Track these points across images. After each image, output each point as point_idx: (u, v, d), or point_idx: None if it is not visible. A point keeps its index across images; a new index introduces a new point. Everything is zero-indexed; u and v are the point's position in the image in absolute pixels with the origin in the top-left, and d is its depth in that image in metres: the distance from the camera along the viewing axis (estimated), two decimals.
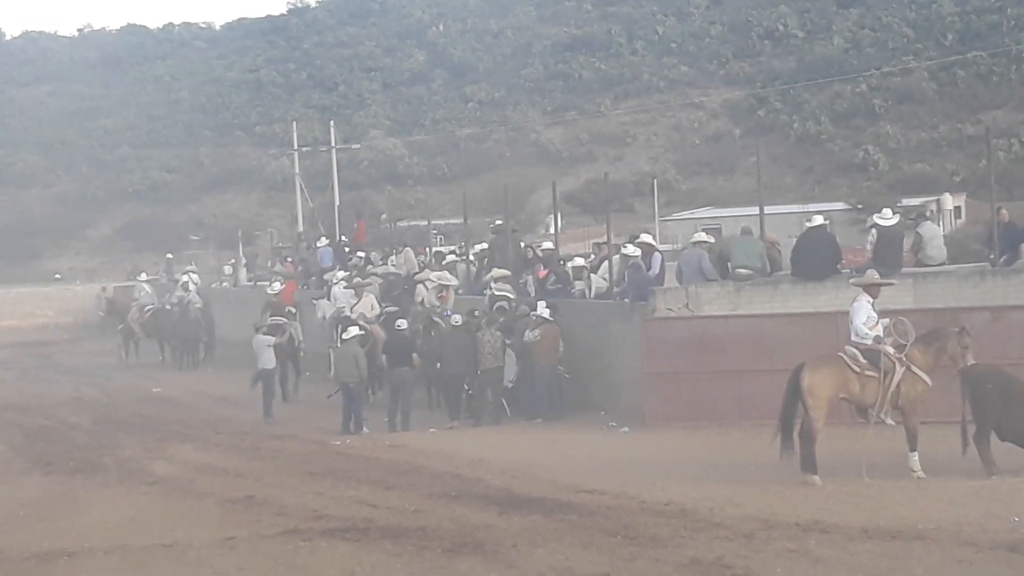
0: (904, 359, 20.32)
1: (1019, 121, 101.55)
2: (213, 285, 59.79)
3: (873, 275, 21.69)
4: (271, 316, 36.88)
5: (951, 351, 20.40)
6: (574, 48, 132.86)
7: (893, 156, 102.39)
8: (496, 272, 34.08)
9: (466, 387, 30.30)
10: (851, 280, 23.32)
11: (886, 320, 20.83)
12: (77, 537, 18.68)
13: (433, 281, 35.00)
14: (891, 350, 20.38)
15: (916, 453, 20.06)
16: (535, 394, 29.72)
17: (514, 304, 31.93)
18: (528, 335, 29.66)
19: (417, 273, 37.31)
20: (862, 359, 20.38)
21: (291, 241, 64.09)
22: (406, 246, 42.29)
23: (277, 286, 40.55)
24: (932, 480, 19.59)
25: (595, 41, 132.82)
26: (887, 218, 27.78)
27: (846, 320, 21.23)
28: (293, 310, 38.79)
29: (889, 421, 20.42)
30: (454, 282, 35.48)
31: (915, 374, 20.31)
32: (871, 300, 21.10)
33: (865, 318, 20.76)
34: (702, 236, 30.21)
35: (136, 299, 51.24)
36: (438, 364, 30.73)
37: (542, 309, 29.84)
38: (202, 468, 24.66)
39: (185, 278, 51.11)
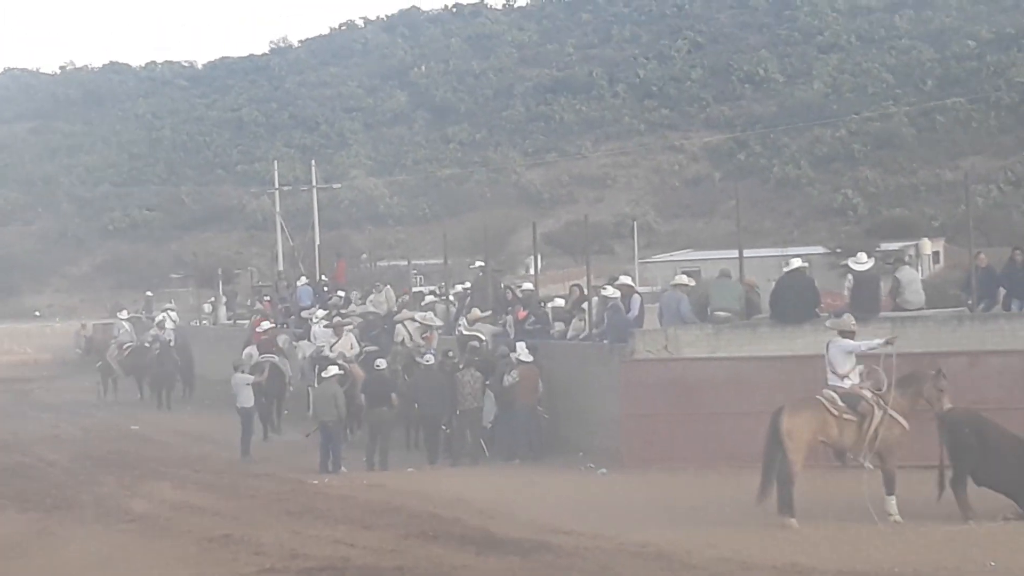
0: (882, 403, 20.39)
1: (998, 167, 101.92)
2: (193, 323, 59.69)
3: (849, 320, 21.77)
4: (262, 354, 37.21)
5: (927, 394, 20.49)
6: (555, 90, 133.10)
7: (872, 200, 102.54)
8: (474, 313, 34.10)
9: (444, 427, 30.30)
10: (828, 322, 23.38)
11: (860, 366, 20.91)
12: (54, 574, 18.62)
13: (416, 321, 35.02)
14: (869, 394, 20.45)
15: (894, 497, 20.10)
16: (513, 435, 29.72)
17: (486, 344, 31.95)
18: (507, 379, 29.67)
19: (397, 313, 37.32)
20: (840, 402, 20.45)
21: (271, 280, 64.01)
22: (386, 284, 42.25)
23: (266, 324, 40.70)
24: (909, 524, 19.63)
25: (576, 83, 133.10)
26: (862, 262, 27.94)
27: (824, 364, 21.30)
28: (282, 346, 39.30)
29: (868, 465, 20.45)
30: (438, 323, 35.47)
31: (893, 418, 20.37)
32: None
33: (853, 346, 20.85)
34: (683, 279, 30.25)
35: (115, 336, 51.12)
36: (415, 404, 30.72)
37: (521, 351, 29.89)
38: (179, 506, 24.59)
39: (162, 316, 51.05)
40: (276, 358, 37.59)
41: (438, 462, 29.82)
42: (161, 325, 48.91)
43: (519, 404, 29.56)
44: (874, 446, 20.33)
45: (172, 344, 47.47)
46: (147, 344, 48.77)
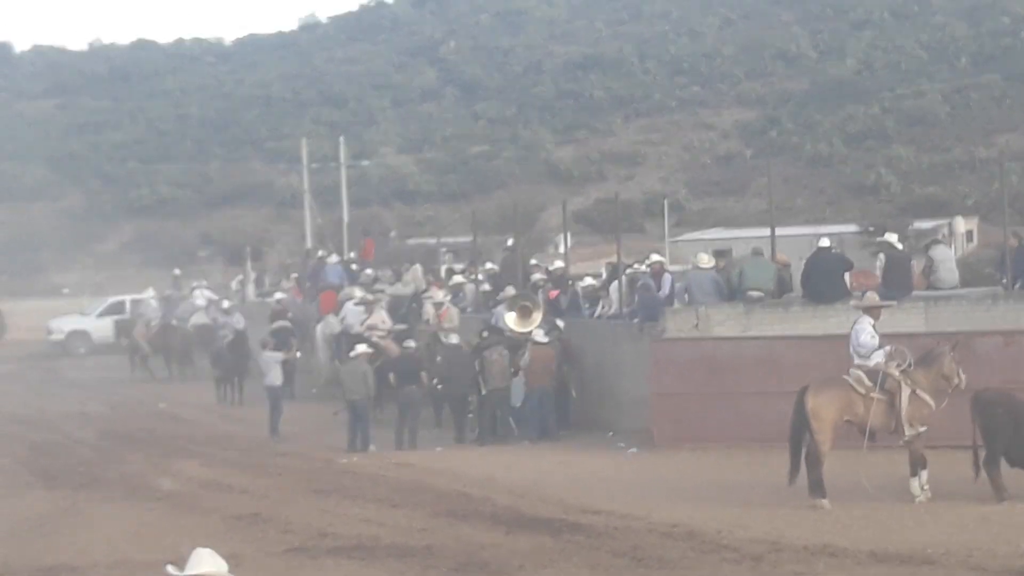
0: (909, 381, 20.20)
1: None
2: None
3: (873, 297, 21.62)
4: (277, 321, 38.86)
5: (947, 370, 20.29)
6: (585, 67, 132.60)
7: (905, 179, 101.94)
8: (509, 291, 33.94)
9: (470, 404, 30.28)
10: (852, 303, 23.22)
11: (886, 347, 20.69)
12: (81, 552, 18.64)
13: (432, 297, 35.00)
14: (896, 372, 20.26)
15: (917, 478, 19.94)
16: (530, 415, 29.58)
17: None
18: (523, 360, 29.55)
19: (424, 291, 37.27)
20: (867, 381, 20.27)
21: (299, 257, 64.01)
22: (415, 263, 42.14)
23: (280, 295, 41.18)
24: (942, 505, 19.47)
25: (606, 60, 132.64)
26: (894, 242, 27.76)
27: (848, 343, 21.17)
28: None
29: (920, 429, 20.11)
30: (446, 297, 35.32)
31: (920, 397, 20.20)
32: (872, 322, 21.04)
33: (869, 336, 20.68)
34: (704, 259, 29.88)
35: (142, 314, 51.09)
36: (435, 381, 30.54)
37: (536, 333, 29.77)
38: (207, 484, 24.60)
39: (198, 295, 50.74)
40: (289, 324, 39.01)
41: (465, 441, 29.76)
42: (228, 312, 45.27)
43: (531, 386, 29.41)
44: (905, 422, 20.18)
45: (244, 330, 41.59)
46: (188, 324, 48.24)
